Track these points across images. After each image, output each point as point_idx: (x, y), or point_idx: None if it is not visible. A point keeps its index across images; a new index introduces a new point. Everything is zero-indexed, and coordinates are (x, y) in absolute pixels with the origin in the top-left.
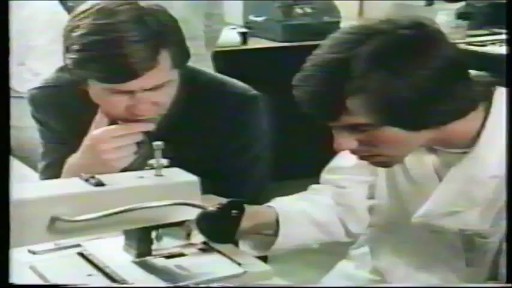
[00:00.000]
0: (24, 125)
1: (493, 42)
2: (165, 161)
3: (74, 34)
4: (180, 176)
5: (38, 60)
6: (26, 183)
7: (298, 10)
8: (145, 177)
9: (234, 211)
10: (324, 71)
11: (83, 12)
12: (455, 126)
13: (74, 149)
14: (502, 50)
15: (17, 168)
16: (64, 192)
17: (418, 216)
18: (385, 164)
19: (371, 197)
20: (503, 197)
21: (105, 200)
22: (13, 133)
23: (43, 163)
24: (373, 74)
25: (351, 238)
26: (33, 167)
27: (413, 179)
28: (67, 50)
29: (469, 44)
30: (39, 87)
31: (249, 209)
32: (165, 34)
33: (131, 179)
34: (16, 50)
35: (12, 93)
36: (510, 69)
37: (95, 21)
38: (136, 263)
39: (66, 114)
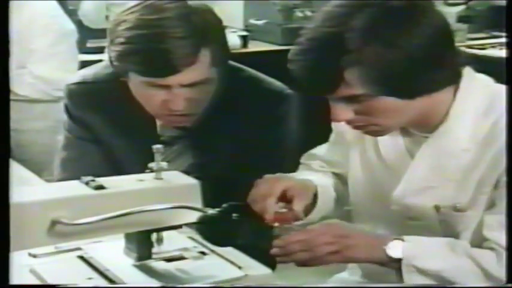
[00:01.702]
0: (24, 128)
1: (493, 46)
2: (164, 164)
3: (120, 28)
4: (180, 179)
5: (39, 64)
6: (26, 187)
7: (299, 13)
8: (145, 180)
9: (234, 214)
10: (320, 45)
11: (131, 7)
12: (429, 105)
13: (107, 147)
14: (502, 53)
15: (17, 171)
16: (64, 196)
17: (395, 196)
18: (379, 133)
19: (339, 186)
20: (480, 171)
21: (106, 203)
22: (13, 136)
23: (64, 154)
24: (367, 47)
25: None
26: (34, 170)
27: (386, 161)
28: (111, 42)
29: (469, 47)
30: (78, 83)
31: (299, 181)
32: (208, 33)
33: (131, 182)
34: (16, 53)
35: (12, 96)
36: (510, 70)
37: (141, 16)
38: (136, 266)
39: (104, 111)
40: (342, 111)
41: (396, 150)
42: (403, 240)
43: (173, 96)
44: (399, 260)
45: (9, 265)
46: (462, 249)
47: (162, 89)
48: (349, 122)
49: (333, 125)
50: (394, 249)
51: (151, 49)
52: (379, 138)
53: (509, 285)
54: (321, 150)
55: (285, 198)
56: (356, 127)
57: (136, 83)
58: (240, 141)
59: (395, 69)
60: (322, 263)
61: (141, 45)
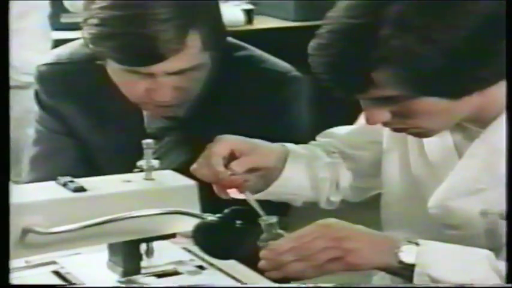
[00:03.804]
0: None
1: None
2: (155, 163)
3: (94, 6)
4: (174, 179)
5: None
6: None
7: None
8: (133, 181)
9: (238, 221)
10: (343, 39)
11: None
12: (482, 101)
13: (85, 142)
14: None
15: None
16: (37, 199)
17: (435, 198)
18: (423, 135)
19: (359, 174)
20: None
21: (86, 208)
22: None
23: (35, 150)
24: (401, 41)
25: (327, 207)
26: None
27: (429, 159)
28: (85, 22)
29: None
30: (51, 64)
31: (260, 143)
32: (197, 12)
33: (116, 183)
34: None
35: None
36: (510, 69)
37: None
38: (122, 282)
39: (82, 98)
40: (377, 113)
41: (443, 147)
42: (417, 244)
43: (158, 85)
44: (412, 267)
45: (9, 265)
46: (486, 260)
47: (145, 77)
48: (386, 124)
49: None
50: (408, 253)
51: (129, 34)
52: None
53: (509, 285)
54: (342, 129)
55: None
56: (395, 129)
57: (114, 69)
58: (240, 132)
59: (435, 67)
60: (320, 273)
61: (117, 29)
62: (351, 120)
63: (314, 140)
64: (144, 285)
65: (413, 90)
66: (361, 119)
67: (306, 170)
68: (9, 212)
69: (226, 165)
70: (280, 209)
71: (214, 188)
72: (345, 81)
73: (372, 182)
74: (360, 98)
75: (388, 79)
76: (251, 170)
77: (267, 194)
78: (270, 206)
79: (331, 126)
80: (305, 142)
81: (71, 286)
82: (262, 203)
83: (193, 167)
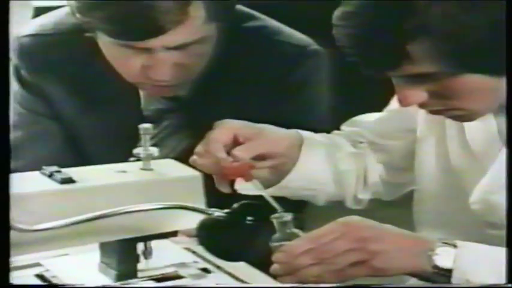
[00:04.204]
0: None
1: None
2: (154, 150)
3: None
4: (176, 169)
5: None
6: None
7: None
8: (128, 172)
9: (248, 217)
10: (374, 6)
11: None
12: None
13: (73, 126)
14: None
15: None
16: (19, 192)
17: (477, 192)
18: (465, 119)
19: (391, 165)
20: None
21: (75, 201)
22: None
23: (16, 136)
24: (439, 8)
25: (354, 206)
26: None
27: (471, 147)
28: None
29: None
30: (33, 35)
31: (269, 127)
32: None
33: (110, 173)
34: None
35: None
36: (510, 69)
37: None
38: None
39: (69, 74)
40: (411, 93)
41: (485, 133)
42: (455, 246)
43: (155, 61)
44: (448, 272)
45: (10, 265)
46: None
47: (141, 52)
48: (422, 106)
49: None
50: (444, 257)
51: (123, 5)
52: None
53: (509, 285)
54: (370, 116)
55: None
56: (433, 112)
57: (105, 43)
58: (250, 114)
59: (480, 39)
60: (341, 279)
61: None
62: (381, 104)
63: (338, 129)
64: None
65: (455, 66)
66: (393, 103)
67: (325, 160)
68: (9, 212)
69: (229, 153)
70: (296, 205)
71: (215, 179)
72: (375, 56)
73: (407, 176)
74: (392, 76)
75: (426, 53)
76: (258, 158)
77: (280, 189)
78: (284, 203)
79: (357, 111)
80: (325, 131)
81: (72, 286)
82: (277, 200)
83: (192, 157)
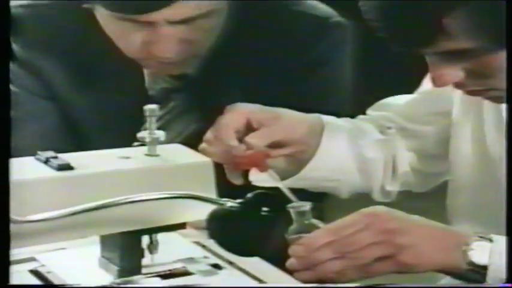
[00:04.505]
0: None
1: None
2: (161, 134)
3: None
4: (184, 155)
5: None
6: None
7: None
8: (132, 158)
9: (264, 208)
10: None
11: None
12: None
13: (67, 106)
14: None
15: None
16: (12, 179)
17: None
18: (503, 100)
19: (422, 154)
20: None
21: (73, 190)
22: None
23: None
24: None
25: (381, 198)
26: None
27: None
28: None
29: None
30: (25, 7)
31: (286, 112)
32: None
33: (111, 160)
34: None
35: None
36: (510, 68)
37: None
38: (118, 285)
39: (64, 49)
40: (447, 72)
41: None
42: (491, 240)
43: (158, 36)
44: (484, 269)
45: (10, 265)
46: None
47: (143, 26)
48: (458, 86)
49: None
50: (480, 252)
51: None
52: None
53: (510, 285)
54: (400, 98)
55: None
56: (470, 92)
57: (104, 15)
58: (265, 96)
59: None
60: (365, 275)
61: None
62: (412, 85)
63: (363, 113)
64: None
65: (495, 42)
66: (426, 84)
67: (349, 147)
68: (9, 211)
69: (242, 140)
70: (315, 194)
71: (226, 170)
72: (407, 30)
73: (440, 165)
74: (425, 52)
75: (464, 27)
76: (274, 146)
77: (299, 180)
78: (303, 195)
79: (385, 93)
80: (349, 115)
81: (73, 286)
82: (294, 191)
83: (202, 145)
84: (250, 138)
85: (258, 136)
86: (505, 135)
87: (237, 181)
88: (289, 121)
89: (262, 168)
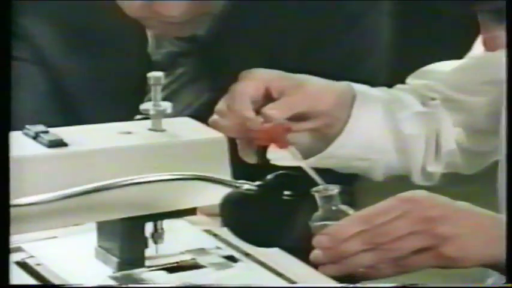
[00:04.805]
0: None
1: None
2: (168, 106)
3: None
4: (194, 130)
5: None
6: None
7: None
8: (134, 133)
9: (286, 191)
10: None
11: None
12: None
13: (58, 73)
14: None
15: None
16: None
17: None
18: None
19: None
20: None
21: (67, 170)
22: None
23: None
24: None
25: (422, 181)
26: None
27: None
28: None
29: None
30: None
31: (310, 79)
32: None
33: (110, 135)
34: None
35: None
36: (510, 68)
37: None
38: (117, 279)
39: (53, 7)
40: (501, 34)
41: None
42: None
43: None
44: None
45: (10, 265)
46: None
47: None
48: None
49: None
50: None
51: None
52: None
53: (510, 285)
54: (445, 65)
55: None
56: None
57: None
58: (287, 60)
59: None
60: (401, 270)
61: None
62: (460, 49)
63: (402, 82)
64: (149, 283)
65: None
66: (476, 47)
67: (385, 121)
68: (9, 211)
69: (259, 111)
70: (344, 176)
71: (240, 146)
72: None
73: (491, 142)
74: (477, 9)
75: None
76: (297, 119)
77: (325, 159)
78: (330, 176)
79: (427, 59)
80: (386, 84)
81: (77, 286)
82: (319, 172)
83: (213, 117)
84: (269, 109)
85: (278, 107)
86: (505, 135)
87: (251, 159)
88: (314, 90)
89: (282, 144)
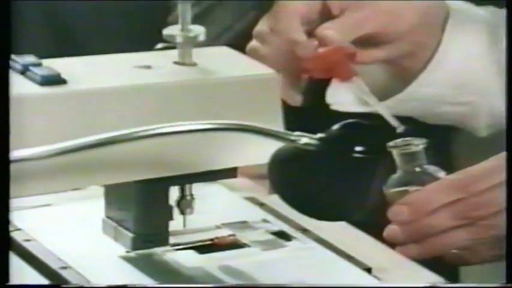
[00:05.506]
0: None
1: None
2: (199, 30)
3: None
4: (235, 64)
5: None
6: None
7: None
8: (155, 68)
9: (357, 147)
10: None
11: None
12: None
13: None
14: None
15: None
16: None
17: None
18: None
19: None
20: None
21: (65, 115)
22: None
23: None
24: None
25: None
26: None
27: None
28: None
29: None
30: None
31: None
32: None
33: (123, 69)
34: None
35: None
36: (510, 68)
37: None
38: (132, 260)
39: None
40: None
41: None
42: None
43: None
44: None
45: (9, 265)
46: None
47: None
48: None
49: None
50: None
51: None
52: None
53: (510, 285)
54: None
55: None
56: None
57: None
58: None
59: None
60: (503, 253)
61: None
62: None
63: None
64: (173, 266)
65: None
66: None
67: (490, 50)
68: (8, 211)
69: (313, 34)
70: (432, 127)
71: (284, 80)
72: None
73: None
74: None
75: None
76: (365, 43)
77: (406, 102)
78: (413, 124)
79: None
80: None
81: (78, 286)
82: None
83: (251, 43)
84: (326, 30)
85: (338, 26)
86: (505, 135)
87: (296, 100)
88: (390, 4)
89: (344, 76)
